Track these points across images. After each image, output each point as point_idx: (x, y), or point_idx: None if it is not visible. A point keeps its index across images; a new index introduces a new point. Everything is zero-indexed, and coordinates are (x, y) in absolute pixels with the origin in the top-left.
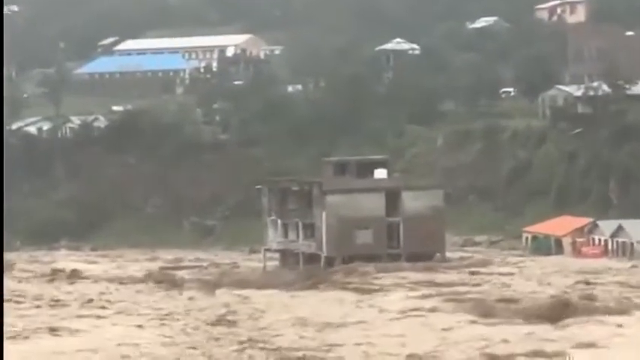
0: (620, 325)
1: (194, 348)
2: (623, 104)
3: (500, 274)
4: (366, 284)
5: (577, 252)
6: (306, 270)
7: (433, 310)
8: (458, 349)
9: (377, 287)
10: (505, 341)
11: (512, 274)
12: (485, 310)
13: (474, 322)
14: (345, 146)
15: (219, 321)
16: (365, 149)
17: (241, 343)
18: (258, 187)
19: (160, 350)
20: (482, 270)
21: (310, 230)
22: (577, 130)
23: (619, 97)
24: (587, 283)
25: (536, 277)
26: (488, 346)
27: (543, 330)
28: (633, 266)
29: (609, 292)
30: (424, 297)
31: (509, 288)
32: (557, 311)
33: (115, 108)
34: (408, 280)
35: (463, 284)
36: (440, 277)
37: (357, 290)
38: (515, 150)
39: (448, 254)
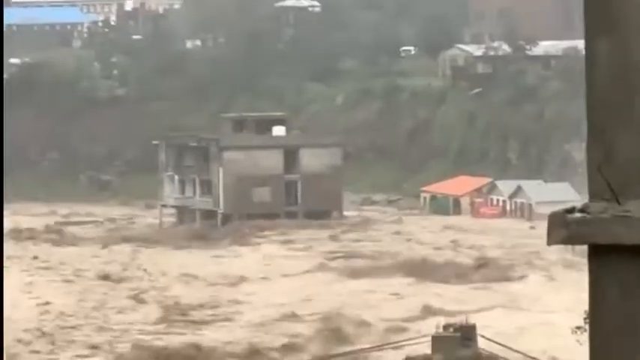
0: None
1: (84, 300)
2: (523, 65)
3: (387, 233)
4: (255, 241)
5: (476, 212)
6: (203, 226)
7: (312, 268)
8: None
9: (264, 245)
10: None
11: (397, 233)
12: (357, 268)
13: (344, 279)
14: (244, 103)
15: (109, 276)
16: (264, 106)
17: (130, 297)
18: (156, 142)
19: (54, 302)
20: (371, 228)
21: (207, 187)
22: (477, 90)
23: (519, 58)
24: (469, 244)
25: (419, 237)
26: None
27: (397, 285)
28: (531, 227)
29: (483, 254)
30: (303, 254)
31: (387, 246)
32: (419, 269)
33: (12, 61)
34: (298, 238)
35: (342, 241)
36: (327, 234)
37: (245, 245)
38: (415, 109)
39: (345, 213)
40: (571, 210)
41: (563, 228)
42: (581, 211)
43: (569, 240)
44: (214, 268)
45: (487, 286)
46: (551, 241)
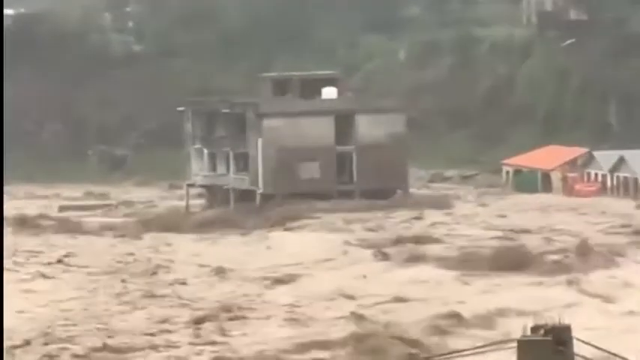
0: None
1: (98, 299)
2: (625, 10)
3: (461, 214)
4: (302, 226)
5: (569, 189)
6: (238, 210)
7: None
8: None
9: (312, 232)
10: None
11: (474, 214)
12: (426, 256)
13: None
14: (287, 60)
15: (117, 271)
16: (311, 64)
17: (157, 295)
18: (181, 109)
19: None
20: (440, 211)
21: (243, 162)
22: (569, 41)
23: (620, 2)
24: (562, 228)
25: (499, 219)
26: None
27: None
28: (638, 207)
29: (579, 239)
30: (361, 240)
31: (463, 230)
32: (501, 258)
33: (6, 12)
34: (354, 222)
35: (407, 224)
36: (388, 216)
37: (290, 231)
38: (495, 65)
39: (412, 191)
40: None
41: None
42: None
43: None
44: (253, 260)
45: (584, 277)
46: None
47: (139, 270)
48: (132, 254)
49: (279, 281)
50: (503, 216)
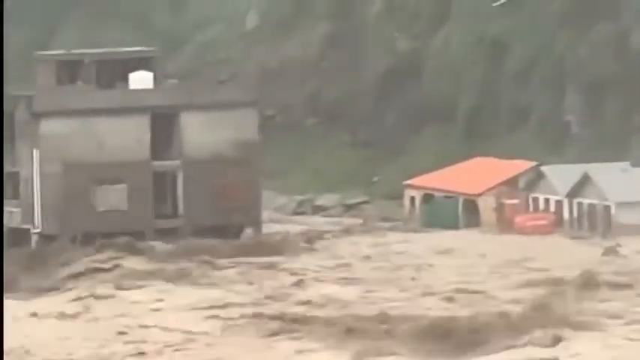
0: None
1: None
2: None
3: (339, 265)
4: (101, 293)
5: (506, 223)
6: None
7: None
8: None
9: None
10: None
11: (357, 265)
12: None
13: None
14: (80, 30)
15: None
16: (114, 35)
17: None
18: None
19: None
20: (314, 258)
21: (11, 185)
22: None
23: None
24: (497, 286)
25: (398, 272)
26: None
27: None
28: (608, 252)
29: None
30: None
31: (340, 294)
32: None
33: None
34: (184, 282)
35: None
36: (236, 271)
37: (82, 299)
38: (393, 34)
39: (268, 229)
40: None
41: None
42: None
43: None
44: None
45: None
46: None
47: None
48: None
49: None
50: (414, 261)
